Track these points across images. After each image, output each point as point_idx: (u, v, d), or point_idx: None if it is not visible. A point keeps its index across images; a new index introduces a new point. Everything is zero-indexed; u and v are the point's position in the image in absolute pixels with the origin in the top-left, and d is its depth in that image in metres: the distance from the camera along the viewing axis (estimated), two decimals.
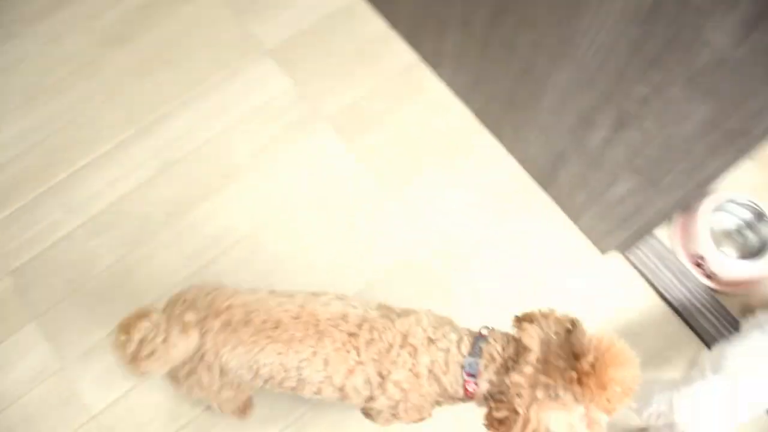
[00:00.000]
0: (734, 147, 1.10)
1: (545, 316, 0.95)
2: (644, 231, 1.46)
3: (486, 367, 0.94)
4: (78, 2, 1.82)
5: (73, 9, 1.81)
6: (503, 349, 0.94)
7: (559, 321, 0.93)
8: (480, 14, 1.42)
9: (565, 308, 1.51)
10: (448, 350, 0.98)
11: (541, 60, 1.34)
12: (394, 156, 1.66)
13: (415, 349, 0.98)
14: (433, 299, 1.52)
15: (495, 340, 0.96)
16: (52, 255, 1.57)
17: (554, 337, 0.90)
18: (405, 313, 1.04)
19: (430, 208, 1.61)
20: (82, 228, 1.59)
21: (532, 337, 0.90)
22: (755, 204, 1.57)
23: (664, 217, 1.38)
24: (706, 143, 1.13)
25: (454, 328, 1.03)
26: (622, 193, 1.39)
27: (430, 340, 0.99)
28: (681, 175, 1.23)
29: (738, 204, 1.59)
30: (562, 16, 1.22)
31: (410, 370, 0.98)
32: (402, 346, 0.99)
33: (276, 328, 1.00)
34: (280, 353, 1.00)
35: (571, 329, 0.91)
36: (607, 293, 1.56)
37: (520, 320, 0.96)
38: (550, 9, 1.25)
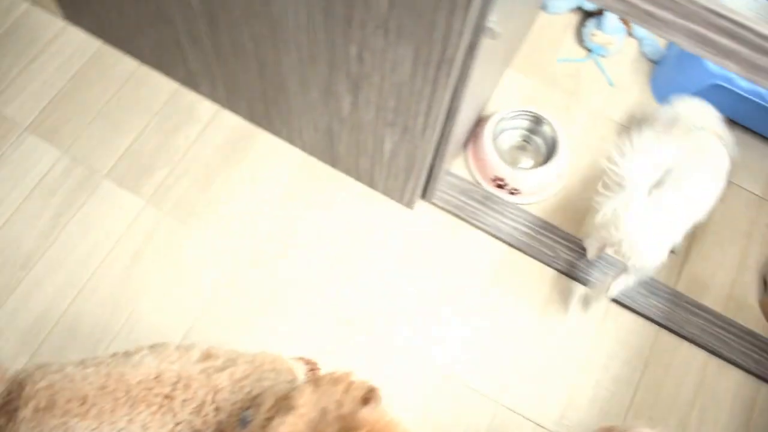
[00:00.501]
0: (448, 75, 1.12)
1: (336, 380, 0.87)
2: (435, 175, 1.48)
3: (254, 417, 0.91)
4: None
5: None
6: (275, 401, 0.89)
7: (350, 387, 0.86)
8: (200, 27, 1.40)
9: (395, 272, 1.53)
10: (235, 402, 0.96)
11: (267, 51, 1.34)
12: (186, 187, 1.62)
13: (218, 409, 0.96)
14: (264, 312, 1.51)
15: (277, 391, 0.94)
16: None
17: (334, 404, 0.83)
18: (226, 364, 1.01)
19: (237, 224, 1.59)
20: None
21: (302, 397, 0.84)
22: (527, 111, 1.62)
23: (440, 157, 1.40)
24: (425, 80, 1.16)
25: (261, 377, 1.01)
26: (392, 149, 1.40)
27: (232, 394, 0.97)
28: (424, 116, 1.25)
29: (512, 117, 1.63)
30: (257, 4, 1.22)
31: (216, 428, 0.96)
32: (211, 404, 0.97)
33: (83, 404, 0.96)
34: (93, 429, 0.96)
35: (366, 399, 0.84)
36: (429, 243, 1.58)
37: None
38: (245, 2, 1.24)
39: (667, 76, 1.75)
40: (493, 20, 1.05)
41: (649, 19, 0.93)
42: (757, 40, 0.89)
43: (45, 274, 1.54)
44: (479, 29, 1.05)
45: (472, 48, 1.09)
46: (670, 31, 0.93)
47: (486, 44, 1.11)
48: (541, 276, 1.57)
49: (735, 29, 0.89)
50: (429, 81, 1.15)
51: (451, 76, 1.12)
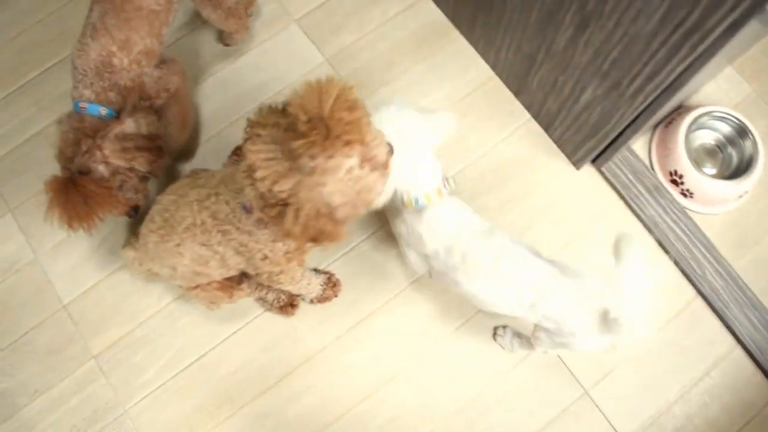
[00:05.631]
0: (690, 45, 1.02)
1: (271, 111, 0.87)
2: (617, 144, 1.39)
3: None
4: None
5: None
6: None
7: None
8: None
9: (536, 221, 1.47)
10: (228, 201, 1.02)
11: None
12: (367, 58, 1.60)
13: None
14: None
15: None
16: (25, 151, 1.58)
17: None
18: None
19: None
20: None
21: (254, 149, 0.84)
22: (737, 118, 1.48)
23: (634, 128, 1.30)
24: (665, 43, 1.06)
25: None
26: (590, 101, 1.32)
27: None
28: (644, 80, 1.15)
29: (717, 118, 1.49)
30: None
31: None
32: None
33: None
34: None
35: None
36: (581, 208, 1.50)
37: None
38: None
39: None
40: None
41: None
42: None
43: None
44: (754, 8, 0.93)
45: (734, 27, 0.97)
46: None
47: (751, 28, 0.99)
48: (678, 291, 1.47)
49: None
50: (669, 46, 1.05)
51: (696, 50, 1.02)
